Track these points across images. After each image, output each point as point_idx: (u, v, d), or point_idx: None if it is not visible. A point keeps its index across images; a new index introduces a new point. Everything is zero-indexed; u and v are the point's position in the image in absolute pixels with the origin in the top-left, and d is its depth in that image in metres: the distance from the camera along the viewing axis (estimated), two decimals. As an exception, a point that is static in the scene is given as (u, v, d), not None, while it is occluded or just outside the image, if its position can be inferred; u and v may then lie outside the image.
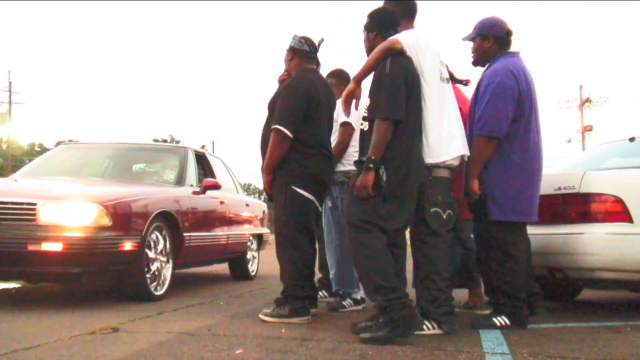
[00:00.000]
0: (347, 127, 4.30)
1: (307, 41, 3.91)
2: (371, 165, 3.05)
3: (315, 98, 3.75)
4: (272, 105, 3.84)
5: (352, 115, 3.72)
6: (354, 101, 3.35)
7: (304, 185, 3.72)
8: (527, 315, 3.52)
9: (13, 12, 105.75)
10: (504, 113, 3.38)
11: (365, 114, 3.27)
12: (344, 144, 4.31)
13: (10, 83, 37.52)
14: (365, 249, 3.10)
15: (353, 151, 4.20)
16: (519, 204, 3.42)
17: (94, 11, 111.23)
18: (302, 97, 3.71)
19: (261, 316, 3.71)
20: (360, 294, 4.34)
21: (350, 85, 3.33)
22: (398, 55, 3.19)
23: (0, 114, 37.19)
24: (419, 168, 3.17)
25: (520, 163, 3.42)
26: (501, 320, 3.44)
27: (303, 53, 3.90)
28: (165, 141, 31.79)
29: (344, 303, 4.30)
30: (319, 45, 3.97)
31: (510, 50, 3.62)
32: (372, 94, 3.21)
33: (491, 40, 3.59)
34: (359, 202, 3.12)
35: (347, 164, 4.28)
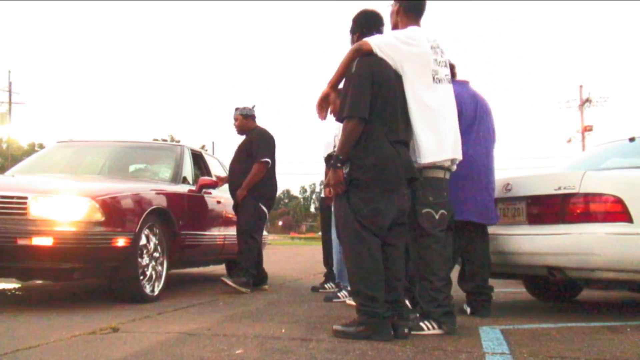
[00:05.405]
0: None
1: (253, 108, 6.00)
2: (339, 165, 3.11)
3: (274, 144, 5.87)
4: (242, 148, 5.79)
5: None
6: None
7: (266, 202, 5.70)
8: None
9: (13, 12, 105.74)
10: None
11: None
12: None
13: (10, 83, 37.53)
14: (351, 253, 3.15)
15: None
16: None
17: (94, 11, 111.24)
18: (274, 142, 5.86)
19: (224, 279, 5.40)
20: None
21: (325, 90, 3.33)
22: (367, 55, 3.19)
23: (0, 114, 37.18)
24: (395, 165, 3.11)
25: None
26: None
27: (255, 116, 5.96)
28: (165, 141, 31.78)
29: (339, 294, 4.91)
30: (253, 108, 6.03)
31: (456, 79, 4.02)
32: (341, 95, 3.21)
33: None
34: (342, 205, 3.15)
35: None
